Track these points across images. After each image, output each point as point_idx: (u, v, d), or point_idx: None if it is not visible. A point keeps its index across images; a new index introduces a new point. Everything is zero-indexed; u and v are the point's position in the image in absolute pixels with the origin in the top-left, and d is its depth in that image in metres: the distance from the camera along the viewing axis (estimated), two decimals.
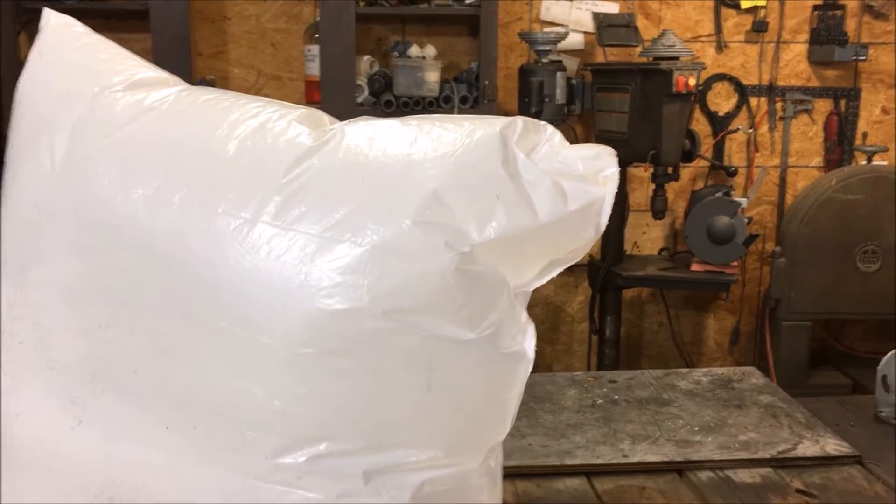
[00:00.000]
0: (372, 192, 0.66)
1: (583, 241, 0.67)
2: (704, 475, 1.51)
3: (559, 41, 2.82)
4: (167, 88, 0.77)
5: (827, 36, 3.16)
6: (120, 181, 0.72)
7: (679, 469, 1.53)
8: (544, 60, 2.82)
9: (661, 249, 3.37)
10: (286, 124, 0.70)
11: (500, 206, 0.64)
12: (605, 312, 3.11)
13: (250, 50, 3.08)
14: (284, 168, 0.68)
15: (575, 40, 3.05)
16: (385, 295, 0.64)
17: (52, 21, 0.83)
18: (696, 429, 1.68)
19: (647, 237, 3.44)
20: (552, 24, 3.12)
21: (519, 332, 0.69)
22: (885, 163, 3.17)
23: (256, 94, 3.06)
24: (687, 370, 2.12)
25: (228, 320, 0.66)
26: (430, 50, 2.90)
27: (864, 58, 3.11)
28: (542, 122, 0.68)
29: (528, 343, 0.69)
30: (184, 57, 2.75)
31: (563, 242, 0.68)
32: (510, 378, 0.69)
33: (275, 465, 0.65)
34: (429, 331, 0.65)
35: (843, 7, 3.18)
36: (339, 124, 0.72)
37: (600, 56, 3.12)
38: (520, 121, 0.67)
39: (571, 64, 3.07)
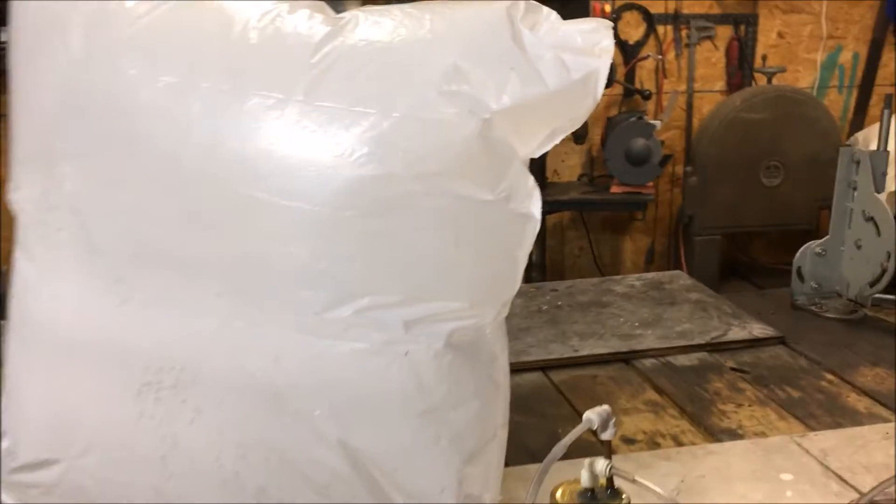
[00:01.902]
0: (396, 67, 0.72)
1: (583, 109, 0.75)
2: (648, 362, 1.65)
3: None
4: None
5: None
6: (145, 71, 0.75)
7: (625, 358, 1.66)
8: None
9: (581, 175, 3.51)
10: (302, 13, 0.75)
11: (514, 77, 0.71)
12: None
13: None
14: (310, 50, 0.73)
15: None
16: (416, 160, 0.71)
17: None
18: (637, 324, 1.81)
19: (565, 165, 3.56)
20: None
21: (527, 195, 0.77)
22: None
23: None
24: (621, 276, 2.27)
25: (270, 192, 0.71)
26: None
27: None
28: (539, 4, 0.75)
29: (535, 206, 0.77)
30: None
31: (564, 111, 0.75)
32: (520, 237, 0.78)
33: (324, 320, 0.72)
34: (455, 192, 0.72)
35: None
36: (352, 11, 0.77)
37: None
38: (521, 3, 0.74)
39: None
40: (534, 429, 1.32)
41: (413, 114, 0.71)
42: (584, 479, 0.83)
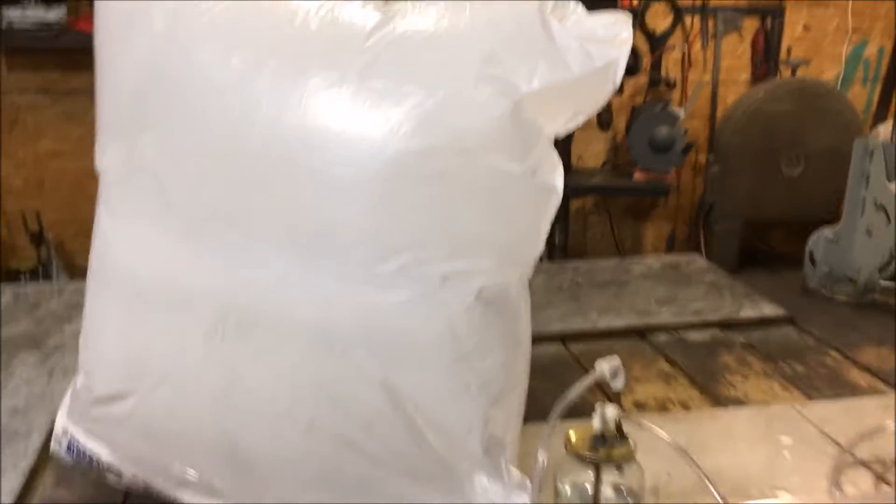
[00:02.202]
0: (440, 53, 0.82)
1: (603, 94, 0.85)
2: (662, 336, 1.75)
3: None
4: None
5: None
6: (218, 53, 0.86)
7: (641, 332, 1.76)
8: None
9: (604, 162, 3.59)
10: (356, 3, 0.86)
11: (543, 64, 0.81)
12: (554, 221, 3.33)
13: None
14: (364, 36, 0.83)
15: None
16: (456, 135, 0.81)
17: None
18: (653, 302, 1.91)
19: (590, 151, 3.65)
20: None
21: (551, 170, 0.87)
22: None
23: None
24: (639, 258, 2.36)
25: (326, 162, 0.82)
26: None
27: None
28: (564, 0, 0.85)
29: (558, 179, 0.87)
30: None
31: (587, 95, 0.85)
32: (544, 207, 0.88)
33: (371, 273, 0.82)
34: (489, 165, 0.82)
35: None
36: (399, 3, 0.87)
37: None
38: None
39: None
40: (552, 392, 1.41)
41: (454, 94, 0.81)
42: (596, 424, 0.93)
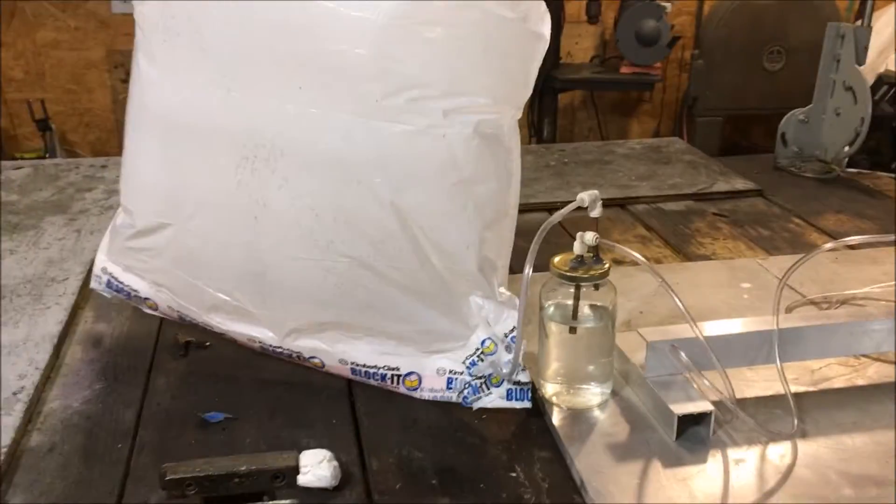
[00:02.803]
0: None
1: None
2: (641, 207, 1.89)
3: None
4: None
5: None
6: None
7: (621, 203, 1.90)
8: None
9: (593, 57, 3.68)
10: None
11: None
12: (543, 116, 3.44)
13: None
14: None
15: None
16: None
17: None
18: (633, 178, 2.04)
19: (579, 47, 3.73)
20: None
21: (539, 18, 0.98)
22: None
23: None
24: (623, 140, 2.48)
25: (341, 5, 0.93)
26: None
27: None
28: None
29: (546, 26, 0.99)
30: None
31: None
32: (533, 52, 1.00)
33: (382, 107, 0.94)
34: (486, 9, 0.93)
35: None
36: None
37: None
38: None
39: None
40: (539, 252, 1.57)
41: None
42: (576, 248, 1.07)
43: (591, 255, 1.08)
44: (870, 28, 2.01)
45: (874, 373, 1.17)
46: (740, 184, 1.99)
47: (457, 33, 0.93)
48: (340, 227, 1.01)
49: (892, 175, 2.07)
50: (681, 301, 1.05)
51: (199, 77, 1.00)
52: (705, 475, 0.98)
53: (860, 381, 1.15)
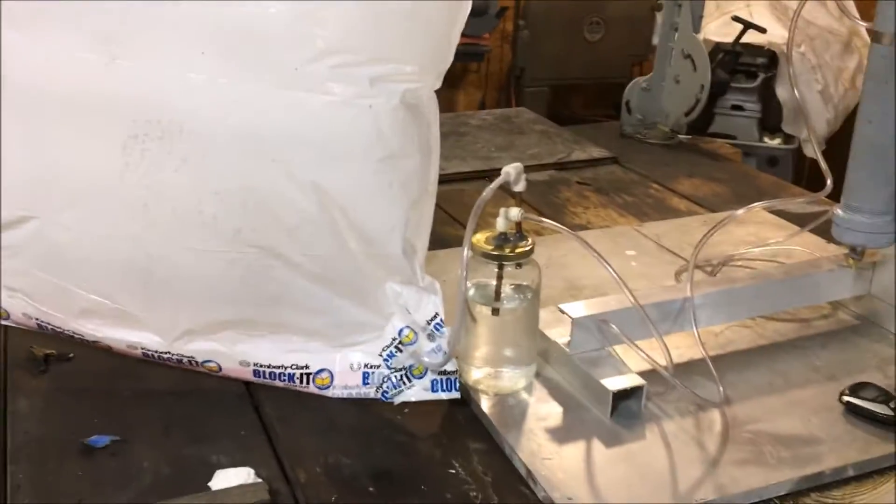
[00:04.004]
0: None
1: None
2: None
3: None
4: None
5: None
6: None
7: (486, 176, 1.86)
8: None
9: None
10: None
11: None
12: None
13: None
14: None
15: None
16: None
17: None
18: (493, 149, 2.02)
19: None
20: None
21: None
22: None
23: None
24: (472, 112, 2.45)
25: None
26: None
27: None
28: None
29: None
30: None
31: None
32: (455, 16, 0.92)
33: (302, 74, 0.82)
34: None
35: None
36: None
37: None
38: None
39: None
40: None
41: None
42: (500, 225, 1.01)
43: (515, 231, 1.03)
44: None
45: (773, 332, 1.21)
46: (596, 152, 2.02)
47: None
48: (249, 213, 0.89)
49: (727, 140, 2.18)
50: (616, 273, 1.02)
51: (75, 42, 0.83)
52: (648, 451, 0.96)
53: (762, 342, 1.19)
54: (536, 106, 3.57)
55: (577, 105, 3.98)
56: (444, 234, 1.50)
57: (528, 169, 1.88)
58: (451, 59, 0.95)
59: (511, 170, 0.99)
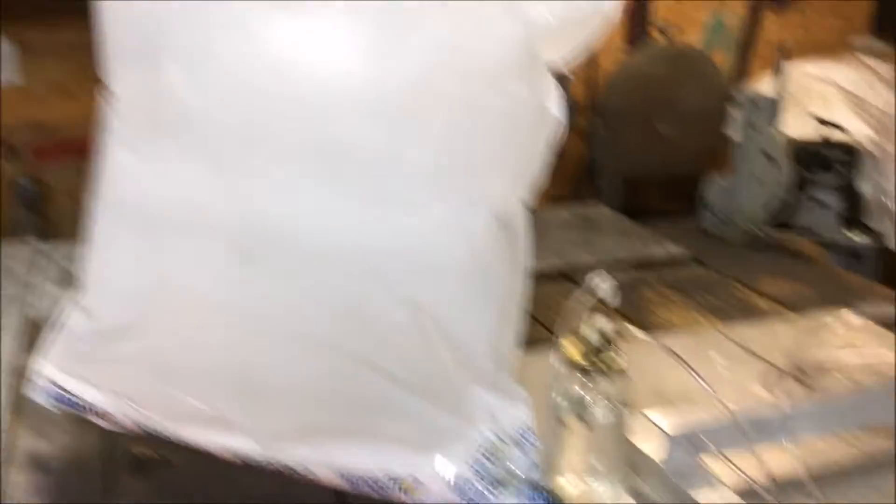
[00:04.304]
0: None
1: (602, 28, 0.92)
2: (585, 277, 1.87)
3: None
4: None
5: None
6: None
7: (564, 273, 1.87)
8: None
9: None
10: None
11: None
12: None
13: None
14: None
15: None
16: (478, 61, 0.85)
17: None
18: (571, 246, 2.04)
19: None
20: None
21: (555, 100, 0.94)
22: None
23: None
24: (549, 207, 2.48)
25: (351, 85, 0.84)
26: None
27: None
28: None
29: (559, 108, 0.95)
30: None
31: (587, 30, 0.92)
32: (548, 133, 0.95)
33: (401, 197, 0.86)
34: (508, 91, 0.86)
35: None
36: None
37: None
38: None
39: None
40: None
41: (481, 25, 0.86)
42: (591, 338, 1.02)
43: (605, 341, 1.03)
44: (781, 97, 2.11)
45: (873, 446, 1.17)
46: (675, 250, 2.01)
47: (479, 116, 0.88)
48: (345, 323, 0.92)
49: (809, 236, 2.16)
50: (707, 385, 1.01)
51: (190, 165, 0.89)
52: None
53: (861, 458, 1.15)
54: (610, 199, 3.60)
55: (651, 198, 3.98)
56: (524, 334, 1.51)
57: (606, 267, 1.91)
58: (542, 174, 0.98)
59: (601, 282, 1.00)
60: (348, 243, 0.88)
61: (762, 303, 1.73)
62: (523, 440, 1.02)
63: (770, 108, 2.09)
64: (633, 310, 1.68)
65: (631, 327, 1.08)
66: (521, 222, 0.97)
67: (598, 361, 1.01)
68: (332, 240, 0.89)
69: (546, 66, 0.92)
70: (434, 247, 0.89)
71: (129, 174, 0.93)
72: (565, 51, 0.94)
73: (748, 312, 1.68)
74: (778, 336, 1.50)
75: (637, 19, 3.75)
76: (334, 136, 0.87)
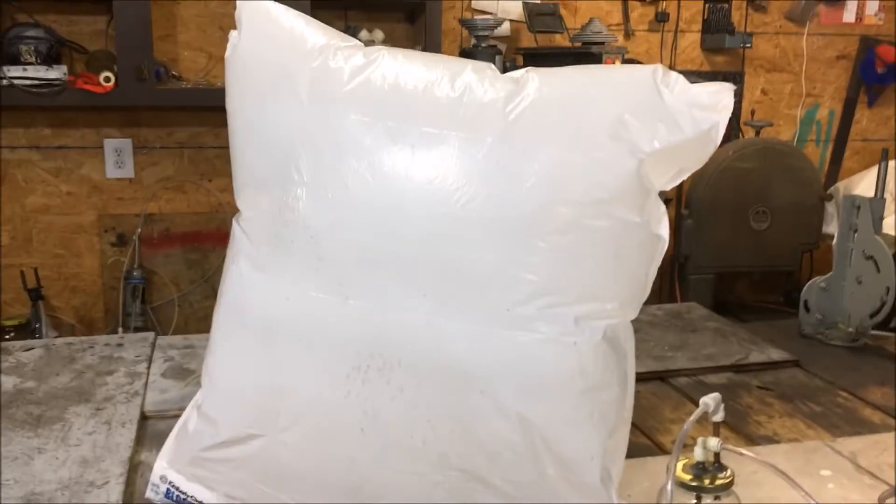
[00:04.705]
0: (573, 116, 0.91)
1: (705, 154, 0.95)
2: (683, 380, 1.85)
3: (496, 27, 3.11)
4: (374, 48, 0.99)
5: (717, 26, 3.61)
6: (367, 118, 0.93)
7: (661, 377, 1.85)
8: (483, 45, 3.10)
9: None
10: (487, 70, 0.95)
11: (662, 127, 0.90)
12: None
13: (199, 33, 3.19)
14: (503, 102, 0.92)
15: (504, 28, 3.35)
16: (590, 189, 0.90)
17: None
18: (666, 348, 2.01)
19: None
20: (482, 12, 3.40)
21: (659, 220, 0.96)
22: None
23: (206, 76, 3.18)
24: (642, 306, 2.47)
25: (468, 212, 0.89)
26: (378, 34, 3.12)
27: (749, 45, 3.57)
28: (668, 69, 0.96)
29: (665, 229, 0.97)
30: (146, 39, 2.84)
31: (691, 154, 0.95)
32: (654, 254, 0.97)
33: (512, 315, 0.90)
34: (617, 216, 0.91)
35: (729, 0, 3.63)
36: (521, 71, 0.96)
37: (525, 42, 3.43)
38: (659, 67, 0.94)
39: (501, 48, 3.37)
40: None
41: (588, 152, 0.90)
42: (698, 454, 1.01)
43: (713, 461, 1.02)
44: (884, 199, 2.07)
45: None
46: (775, 354, 1.97)
47: (589, 240, 0.91)
48: (455, 439, 0.94)
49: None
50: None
51: (313, 284, 0.94)
52: None
53: None
54: (702, 293, 3.55)
55: (742, 292, 3.91)
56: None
57: (705, 371, 1.89)
58: (648, 292, 0.99)
59: (710, 400, 1.00)
60: (461, 360, 0.91)
61: (871, 413, 1.67)
62: None
63: (873, 210, 2.05)
64: (733, 416, 1.65)
65: (743, 451, 1.06)
66: (628, 340, 0.98)
67: (705, 480, 0.99)
68: (446, 357, 0.92)
69: (654, 190, 0.95)
70: (544, 364, 0.91)
71: (253, 288, 0.99)
72: (671, 173, 0.96)
73: (856, 424, 1.62)
74: (889, 451, 1.45)
75: None
76: (450, 258, 0.91)
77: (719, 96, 0.93)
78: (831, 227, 3.36)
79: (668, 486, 0.94)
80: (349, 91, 0.95)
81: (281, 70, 0.97)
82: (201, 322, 3.28)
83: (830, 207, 3.46)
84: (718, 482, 1.00)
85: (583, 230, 0.91)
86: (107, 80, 2.79)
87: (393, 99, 0.94)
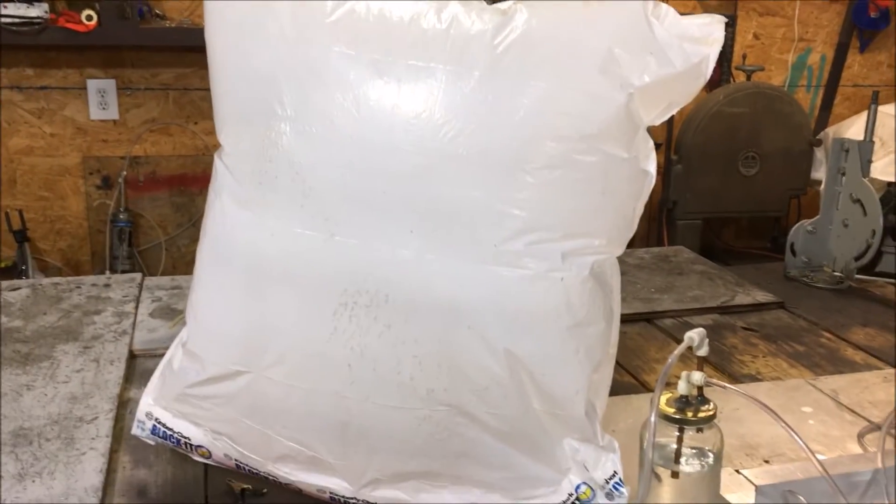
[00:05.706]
0: (562, 50, 0.90)
1: (695, 88, 0.94)
2: (668, 321, 1.86)
3: None
4: None
5: None
6: (350, 50, 0.91)
7: (647, 318, 1.87)
8: None
9: None
10: (474, 1, 0.93)
11: (652, 60, 0.89)
12: None
13: None
14: (491, 35, 0.90)
15: None
16: (579, 124, 0.89)
17: None
18: (653, 290, 2.02)
19: None
20: None
21: (647, 156, 0.96)
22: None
23: (190, 15, 3.11)
24: (630, 250, 2.48)
25: (456, 148, 0.89)
26: None
27: None
28: (658, 1, 0.94)
29: (652, 165, 0.96)
30: None
31: (681, 88, 0.94)
32: (641, 189, 0.97)
33: (500, 251, 0.89)
34: (605, 151, 0.91)
35: None
36: (508, 3, 0.94)
37: None
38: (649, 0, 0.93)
39: None
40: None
41: (577, 86, 0.89)
42: (681, 388, 1.02)
43: (696, 395, 1.03)
44: (873, 142, 2.07)
45: None
46: (760, 296, 1.98)
47: (577, 175, 0.90)
48: (443, 375, 0.94)
49: (893, 281, 2.10)
50: (804, 442, 1.00)
51: (299, 221, 0.94)
52: None
53: None
54: (688, 238, 3.56)
55: (729, 237, 3.93)
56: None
57: (690, 312, 1.90)
58: (635, 228, 0.99)
59: (695, 335, 1.00)
60: (449, 296, 0.91)
61: (853, 353, 1.69)
62: (613, 490, 1.03)
63: (861, 153, 2.05)
64: (718, 356, 1.67)
65: (727, 385, 1.07)
66: (615, 276, 0.98)
67: (688, 412, 1.01)
68: (434, 293, 0.92)
69: (642, 125, 0.94)
70: (531, 300, 0.91)
71: (237, 224, 0.98)
72: (660, 108, 0.95)
73: (839, 363, 1.64)
74: (871, 389, 1.47)
75: (718, 58, 3.74)
76: (438, 194, 0.90)
77: (710, 28, 0.92)
78: (820, 173, 3.36)
79: (652, 419, 0.95)
80: (332, 22, 0.93)
81: (261, 5, 0.95)
82: (189, 266, 3.26)
83: (819, 153, 3.46)
84: (701, 415, 1.01)
85: (571, 165, 0.90)
86: (89, 18, 2.73)
87: (378, 30, 0.92)
